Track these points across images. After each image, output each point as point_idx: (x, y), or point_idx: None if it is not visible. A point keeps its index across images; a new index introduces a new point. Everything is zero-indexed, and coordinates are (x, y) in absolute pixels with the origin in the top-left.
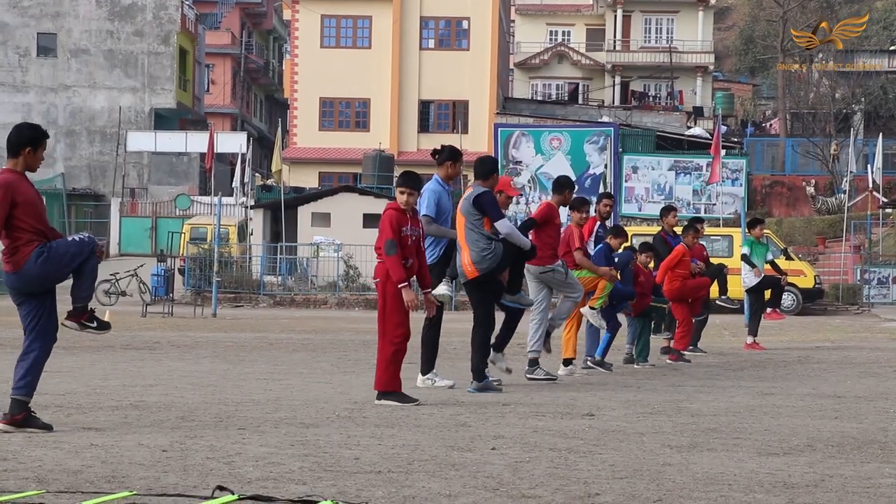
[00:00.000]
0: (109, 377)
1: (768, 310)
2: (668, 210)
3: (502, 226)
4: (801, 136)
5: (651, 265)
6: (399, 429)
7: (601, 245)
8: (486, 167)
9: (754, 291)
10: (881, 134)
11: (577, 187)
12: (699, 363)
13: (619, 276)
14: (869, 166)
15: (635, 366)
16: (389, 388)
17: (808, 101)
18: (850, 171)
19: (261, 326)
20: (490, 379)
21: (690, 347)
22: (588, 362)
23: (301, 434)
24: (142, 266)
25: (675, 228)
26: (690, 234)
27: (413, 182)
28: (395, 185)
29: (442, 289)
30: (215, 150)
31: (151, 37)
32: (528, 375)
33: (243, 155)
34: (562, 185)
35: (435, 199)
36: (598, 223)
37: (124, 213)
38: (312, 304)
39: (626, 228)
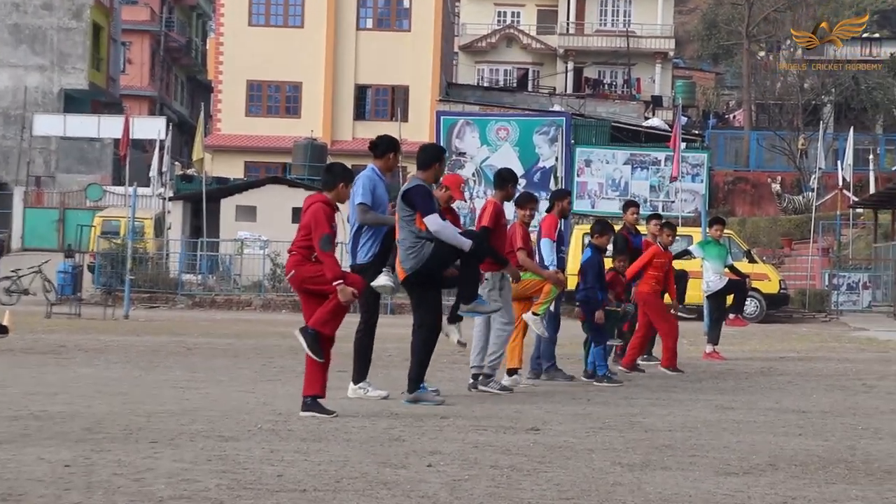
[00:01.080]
0: (8, 384)
1: (731, 316)
2: (629, 205)
3: (431, 222)
4: (766, 129)
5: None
6: (327, 443)
7: (589, 253)
8: (427, 156)
9: (715, 297)
10: (852, 128)
11: (522, 181)
12: (653, 374)
13: (565, 281)
14: (839, 162)
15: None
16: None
17: (774, 92)
18: (819, 168)
19: (178, 329)
20: (428, 389)
21: (644, 356)
22: (595, 381)
23: (219, 448)
24: (47, 262)
25: (638, 226)
26: (666, 232)
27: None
28: (322, 178)
29: (383, 279)
30: (131, 136)
31: (62, 10)
32: (482, 388)
33: (162, 142)
34: (504, 178)
35: (370, 185)
36: (562, 220)
37: (28, 203)
38: (235, 306)
39: (577, 227)
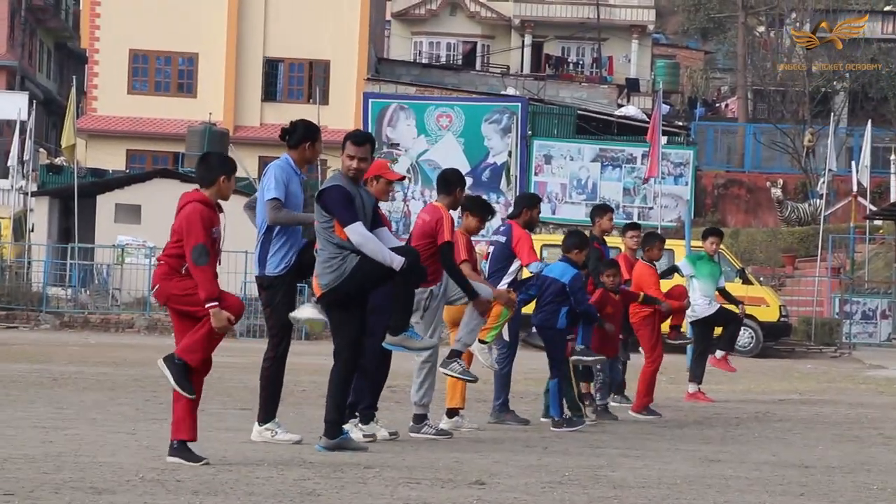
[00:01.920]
0: None
1: (717, 353)
2: (604, 211)
3: (353, 232)
4: (765, 122)
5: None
6: (224, 497)
7: (569, 267)
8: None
9: (702, 324)
10: (870, 121)
11: (468, 179)
12: (625, 419)
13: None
14: (853, 163)
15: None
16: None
17: (776, 76)
18: (829, 170)
19: (41, 355)
20: (349, 434)
21: (616, 396)
22: (553, 427)
23: (91, 503)
24: None
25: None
26: (657, 246)
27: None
28: (197, 172)
29: (308, 311)
30: None
31: None
32: (412, 433)
33: (23, 123)
34: (449, 182)
35: (283, 178)
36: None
37: None
38: (113, 327)
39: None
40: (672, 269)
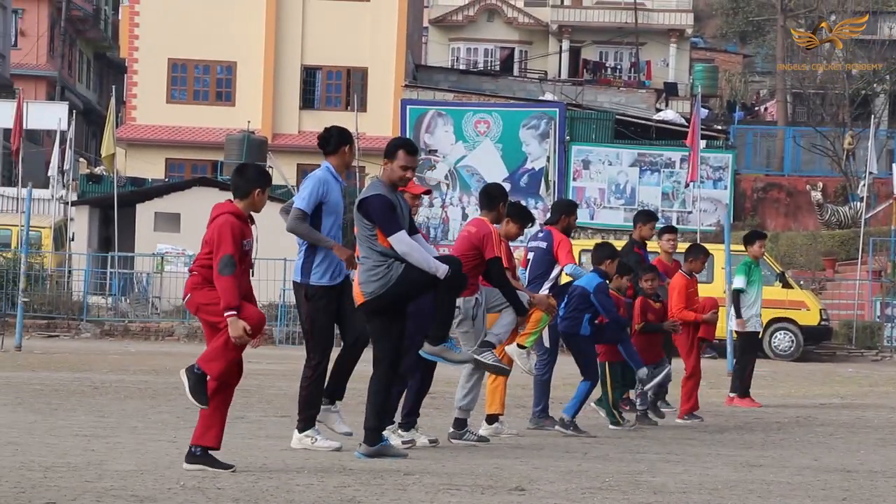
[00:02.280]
0: None
1: (730, 395)
2: (647, 218)
3: (399, 242)
4: (805, 125)
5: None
6: None
7: (595, 276)
8: (389, 148)
9: (750, 335)
10: None
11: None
12: (666, 423)
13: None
14: (894, 166)
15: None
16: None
17: (815, 79)
18: (870, 173)
19: (82, 364)
20: (389, 442)
21: (660, 403)
22: (559, 426)
23: None
24: None
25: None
26: (700, 260)
27: None
28: (233, 183)
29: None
30: (24, 126)
31: None
32: (452, 439)
33: (63, 133)
34: (492, 197)
35: (321, 190)
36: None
37: None
38: (153, 335)
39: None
40: (737, 292)
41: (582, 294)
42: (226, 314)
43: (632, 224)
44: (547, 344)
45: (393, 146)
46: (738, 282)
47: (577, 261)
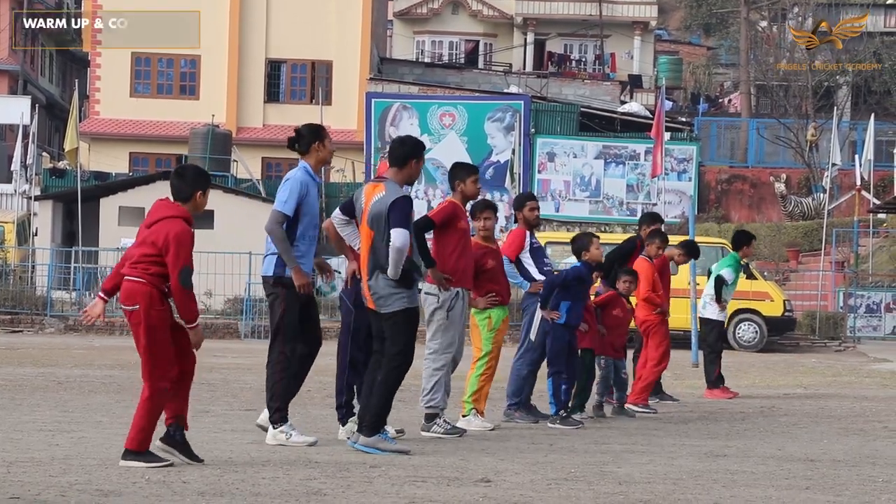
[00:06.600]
0: None
1: (712, 388)
2: (652, 220)
3: (403, 236)
4: (769, 117)
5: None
6: (231, 498)
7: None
8: (406, 150)
9: (719, 326)
10: (873, 115)
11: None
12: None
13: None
14: (857, 157)
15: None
16: (144, 447)
17: (779, 71)
18: (833, 164)
19: (47, 359)
20: (388, 434)
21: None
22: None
23: None
24: None
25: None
26: (655, 244)
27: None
28: (173, 186)
29: None
30: None
31: None
32: (423, 432)
33: (26, 127)
34: (457, 172)
35: (301, 192)
36: (528, 234)
37: None
38: (118, 330)
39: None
40: (719, 282)
41: (560, 280)
42: (190, 326)
43: (600, 217)
44: (533, 336)
45: (409, 152)
46: (727, 274)
47: (513, 257)
